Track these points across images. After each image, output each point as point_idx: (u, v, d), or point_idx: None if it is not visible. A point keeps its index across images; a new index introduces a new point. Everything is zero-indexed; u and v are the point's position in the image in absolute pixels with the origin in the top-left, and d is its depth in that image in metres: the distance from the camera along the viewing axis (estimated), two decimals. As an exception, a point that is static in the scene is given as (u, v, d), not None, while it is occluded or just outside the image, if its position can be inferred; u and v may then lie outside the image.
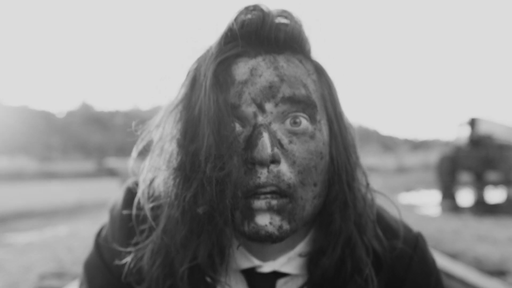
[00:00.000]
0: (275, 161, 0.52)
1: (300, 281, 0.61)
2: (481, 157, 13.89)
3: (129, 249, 0.62)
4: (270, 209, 0.52)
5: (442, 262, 2.50)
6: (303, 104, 0.54)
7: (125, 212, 0.65)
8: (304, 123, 0.54)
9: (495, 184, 14.09)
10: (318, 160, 0.55)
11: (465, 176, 15.03)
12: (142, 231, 0.62)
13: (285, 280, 0.62)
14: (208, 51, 0.57)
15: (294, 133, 0.54)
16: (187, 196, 0.53)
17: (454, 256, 3.45)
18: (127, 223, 0.65)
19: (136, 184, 0.67)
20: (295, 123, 0.54)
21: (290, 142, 0.54)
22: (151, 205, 0.60)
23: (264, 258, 0.61)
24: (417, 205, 9.50)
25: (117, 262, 0.63)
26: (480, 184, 14.38)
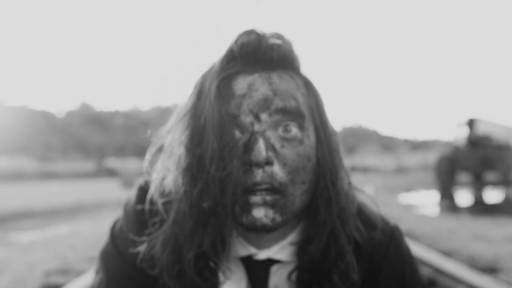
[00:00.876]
0: (269, 163, 0.61)
1: (291, 266, 0.70)
2: (480, 157, 13.94)
3: (143, 239, 0.71)
4: (264, 204, 0.61)
5: (434, 259, 2.59)
6: (293, 115, 0.63)
7: (138, 206, 0.74)
8: (294, 130, 0.63)
9: (494, 184, 14.15)
10: (306, 162, 0.64)
11: (463, 177, 15.08)
12: (153, 223, 0.71)
13: (278, 266, 0.71)
14: (212, 68, 0.66)
15: (286, 139, 0.63)
16: (194, 193, 0.62)
17: (448, 254, 3.52)
18: (140, 216, 0.73)
19: (147, 182, 0.76)
20: (286, 130, 0.63)
21: (282, 146, 0.63)
22: (162, 200, 0.69)
23: (260, 247, 0.70)
24: (416, 205, 9.58)
25: (131, 250, 0.72)
26: (478, 184, 14.44)
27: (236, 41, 0.65)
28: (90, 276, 2.52)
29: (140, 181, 0.78)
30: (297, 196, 0.63)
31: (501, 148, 14.10)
